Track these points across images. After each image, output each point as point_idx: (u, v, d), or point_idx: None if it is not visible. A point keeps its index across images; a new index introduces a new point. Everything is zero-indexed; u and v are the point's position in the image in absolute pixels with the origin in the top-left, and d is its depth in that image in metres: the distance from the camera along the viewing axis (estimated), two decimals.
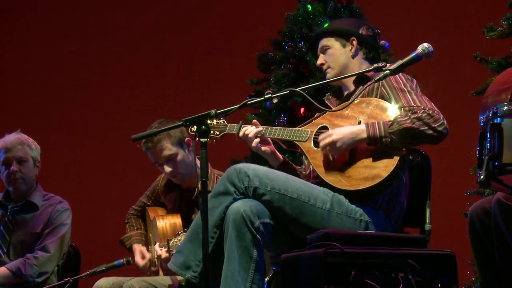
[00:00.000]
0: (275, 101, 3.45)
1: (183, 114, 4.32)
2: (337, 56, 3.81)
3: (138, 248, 4.47)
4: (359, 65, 3.78)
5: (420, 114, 3.41)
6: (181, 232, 4.12)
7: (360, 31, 3.81)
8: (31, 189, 4.68)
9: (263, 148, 3.74)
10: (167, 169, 4.32)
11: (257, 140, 3.70)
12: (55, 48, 7.94)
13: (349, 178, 3.48)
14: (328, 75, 3.84)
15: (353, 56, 3.80)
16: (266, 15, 7.12)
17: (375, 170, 3.44)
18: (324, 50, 3.85)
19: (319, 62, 3.87)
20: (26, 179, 4.65)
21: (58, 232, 4.61)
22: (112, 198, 7.28)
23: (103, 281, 4.24)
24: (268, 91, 3.50)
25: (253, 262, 3.32)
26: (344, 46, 3.81)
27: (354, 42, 3.80)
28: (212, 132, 3.80)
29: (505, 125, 3.08)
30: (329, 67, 3.83)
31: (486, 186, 4.01)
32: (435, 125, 3.40)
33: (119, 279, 4.24)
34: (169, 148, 4.30)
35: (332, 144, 3.48)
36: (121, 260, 4.35)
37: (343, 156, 3.53)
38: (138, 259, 4.44)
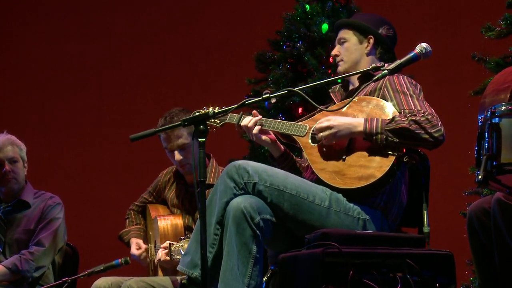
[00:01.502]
0: (273, 101, 3.45)
1: None
2: (352, 51, 3.81)
3: (134, 241, 4.46)
4: (370, 64, 3.74)
5: (418, 118, 3.41)
6: (184, 238, 4.10)
7: (380, 30, 3.79)
8: (22, 188, 4.69)
9: (264, 137, 3.73)
10: (178, 156, 4.29)
11: (258, 127, 3.69)
12: (54, 48, 7.94)
13: (344, 177, 3.48)
14: (339, 68, 3.85)
15: (368, 54, 3.80)
16: (264, 15, 7.12)
17: (369, 170, 3.44)
18: (341, 42, 3.84)
19: (333, 52, 3.87)
20: (18, 179, 4.66)
21: (51, 226, 4.62)
22: (110, 197, 7.28)
23: (101, 281, 4.23)
24: (266, 91, 3.49)
25: (252, 257, 3.31)
26: (360, 42, 3.81)
27: (371, 41, 3.79)
28: (213, 120, 3.81)
29: (503, 125, 3.08)
30: (341, 60, 3.83)
31: (484, 186, 4.02)
32: (432, 131, 3.40)
33: (117, 279, 4.24)
34: (185, 137, 4.28)
35: (328, 129, 3.50)
36: (119, 260, 4.35)
37: (339, 154, 3.53)
38: (134, 250, 4.43)
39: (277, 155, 3.81)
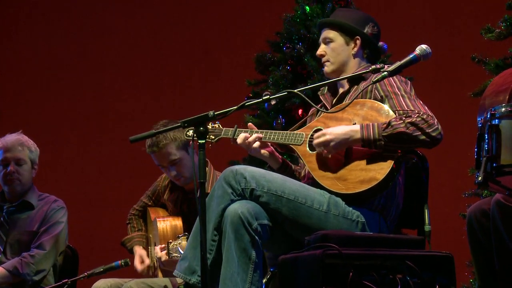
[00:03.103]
0: (273, 102, 3.46)
1: (181, 115, 4.32)
2: (339, 52, 3.78)
3: (138, 252, 4.46)
4: (358, 64, 3.76)
5: (414, 119, 3.40)
6: (182, 236, 4.11)
7: (366, 29, 3.77)
8: (26, 190, 4.68)
9: (262, 151, 3.72)
10: (172, 172, 4.31)
11: (257, 144, 3.69)
12: (53, 48, 7.94)
13: (345, 182, 3.47)
14: (326, 69, 3.82)
15: (355, 56, 3.78)
16: (264, 16, 7.12)
17: (370, 173, 3.44)
18: (327, 41, 3.81)
19: (319, 52, 3.83)
20: (23, 180, 4.66)
21: (53, 230, 4.61)
22: (110, 199, 7.28)
23: (101, 283, 4.24)
24: (266, 93, 3.50)
25: (252, 263, 3.31)
26: (347, 43, 3.78)
27: (358, 42, 3.77)
28: (207, 136, 3.78)
29: (503, 127, 3.09)
30: (328, 61, 3.80)
31: (484, 188, 4.03)
32: (429, 131, 3.39)
33: (117, 280, 4.25)
34: (174, 153, 4.28)
35: (326, 143, 3.48)
36: (119, 262, 4.34)
37: (339, 159, 3.52)
38: (137, 264, 4.43)
39: (276, 166, 3.79)
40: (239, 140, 3.69)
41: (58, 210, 4.67)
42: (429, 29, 6.98)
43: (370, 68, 3.51)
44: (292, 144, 3.66)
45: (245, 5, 7.57)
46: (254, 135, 3.68)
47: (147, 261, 4.42)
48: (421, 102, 3.53)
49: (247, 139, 3.67)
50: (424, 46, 3.51)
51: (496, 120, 3.10)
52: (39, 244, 4.56)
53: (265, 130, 3.73)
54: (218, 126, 3.81)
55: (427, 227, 3.59)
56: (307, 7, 6.00)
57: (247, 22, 7.51)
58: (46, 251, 4.56)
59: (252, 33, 7.19)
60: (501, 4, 5.42)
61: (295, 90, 3.36)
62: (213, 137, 3.80)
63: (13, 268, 4.48)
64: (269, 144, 3.75)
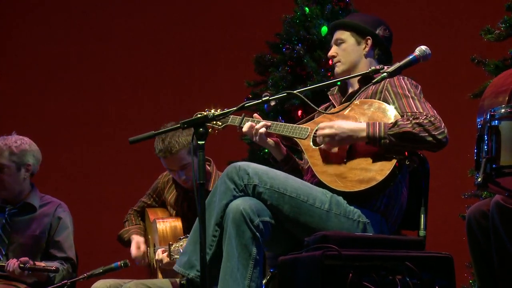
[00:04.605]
0: (272, 103, 3.45)
1: (180, 116, 4.33)
2: (349, 52, 3.79)
3: (136, 239, 4.45)
4: (369, 65, 3.74)
5: (421, 120, 3.40)
6: (183, 237, 4.11)
7: (377, 31, 3.79)
8: (22, 193, 4.62)
9: (268, 140, 3.74)
10: (181, 177, 4.31)
11: (264, 129, 3.69)
12: (53, 49, 7.93)
13: (345, 180, 3.48)
14: (336, 69, 3.83)
15: (366, 56, 3.79)
16: (263, 17, 7.12)
17: (370, 173, 3.44)
18: (338, 43, 3.82)
19: (330, 53, 3.85)
20: (7, 186, 4.56)
21: (71, 240, 4.63)
22: (110, 200, 7.27)
23: (100, 284, 4.24)
24: (266, 94, 3.50)
25: (252, 259, 3.31)
26: (358, 43, 3.79)
27: (369, 42, 3.78)
28: (214, 122, 3.80)
29: (502, 128, 3.09)
30: (339, 61, 3.81)
31: (483, 189, 4.03)
32: (435, 133, 3.40)
33: (116, 281, 4.25)
34: (185, 158, 4.28)
35: (331, 136, 3.49)
36: (119, 263, 4.34)
37: (341, 157, 3.52)
38: (133, 249, 4.41)
39: (280, 158, 3.81)
40: (245, 128, 3.73)
41: (66, 216, 4.67)
42: (428, 30, 6.98)
43: (369, 69, 3.52)
44: (296, 137, 3.67)
45: (244, 6, 7.57)
46: (262, 123, 3.70)
47: (143, 248, 4.41)
48: (430, 106, 3.53)
49: (254, 127, 3.69)
50: (423, 47, 3.51)
51: (496, 121, 3.10)
52: (72, 261, 4.57)
53: (270, 121, 3.74)
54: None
55: (422, 232, 3.59)
56: (307, 8, 6.01)
57: (246, 23, 7.51)
58: (76, 265, 4.59)
59: (251, 34, 7.19)
60: (500, 5, 5.42)
61: (295, 91, 3.37)
62: (220, 124, 3.82)
63: (53, 276, 4.47)
64: (275, 135, 3.76)
